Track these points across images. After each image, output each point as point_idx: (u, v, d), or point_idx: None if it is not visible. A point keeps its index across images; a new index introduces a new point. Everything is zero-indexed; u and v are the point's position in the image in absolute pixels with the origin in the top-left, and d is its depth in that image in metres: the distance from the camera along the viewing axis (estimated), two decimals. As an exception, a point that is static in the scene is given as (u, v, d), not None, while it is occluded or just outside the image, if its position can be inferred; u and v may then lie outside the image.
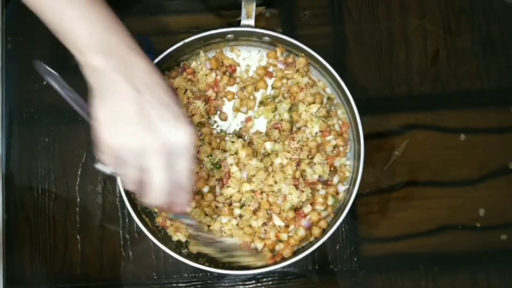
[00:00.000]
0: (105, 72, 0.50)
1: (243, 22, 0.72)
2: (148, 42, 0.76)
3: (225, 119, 0.75)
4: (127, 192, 0.69)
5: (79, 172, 0.75)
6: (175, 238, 0.72)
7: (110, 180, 0.75)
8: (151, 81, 0.51)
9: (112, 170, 0.53)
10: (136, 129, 0.50)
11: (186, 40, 0.70)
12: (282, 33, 0.72)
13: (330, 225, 0.70)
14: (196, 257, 0.70)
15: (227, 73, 0.75)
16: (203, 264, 0.68)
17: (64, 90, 0.55)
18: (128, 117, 0.49)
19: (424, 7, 0.79)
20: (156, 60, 0.69)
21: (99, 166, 0.53)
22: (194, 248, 0.70)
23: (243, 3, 0.72)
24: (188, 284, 0.74)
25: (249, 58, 0.76)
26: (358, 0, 0.79)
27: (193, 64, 0.74)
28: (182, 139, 0.51)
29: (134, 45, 0.52)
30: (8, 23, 0.78)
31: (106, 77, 0.50)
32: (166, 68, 0.74)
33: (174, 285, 0.74)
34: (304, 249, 0.69)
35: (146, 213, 0.72)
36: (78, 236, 0.74)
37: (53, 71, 0.55)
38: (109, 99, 0.50)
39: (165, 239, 0.71)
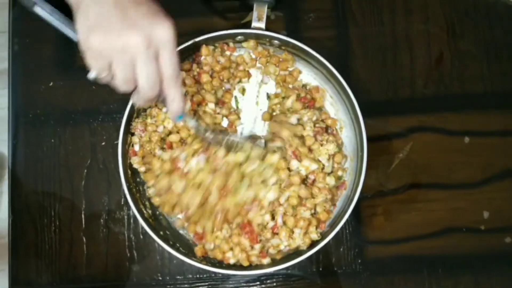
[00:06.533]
0: None
1: (254, 24, 0.72)
2: None
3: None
4: (132, 194, 0.69)
5: (84, 173, 0.75)
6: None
7: (115, 181, 0.75)
8: None
9: (103, 73, 0.54)
10: (120, 28, 0.52)
11: (197, 39, 0.71)
12: (286, 35, 0.72)
13: (333, 226, 0.70)
14: (203, 259, 0.71)
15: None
16: (207, 265, 0.68)
17: (53, 15, 0.57)
18: (111, 18, 0.52)
19: (428, 10, 0.80)
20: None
21: (91, 75, 0.54)
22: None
23: (254, 6, 0.72)
24: (192, 285, 0.74)
25: (259, 60, 0.76)
26: (363, 4, 0.79)
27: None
28: (164, 32, 0.53)
29: None
30: (14, 25, 0.78)
31: None
32: None
33: (179, 286, 0.74)
34: (307, 250, 0.69)
35: (151, 215, 0.72)
36: (83, 237, 0.74)
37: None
38: (92, 7, 0.52)
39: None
